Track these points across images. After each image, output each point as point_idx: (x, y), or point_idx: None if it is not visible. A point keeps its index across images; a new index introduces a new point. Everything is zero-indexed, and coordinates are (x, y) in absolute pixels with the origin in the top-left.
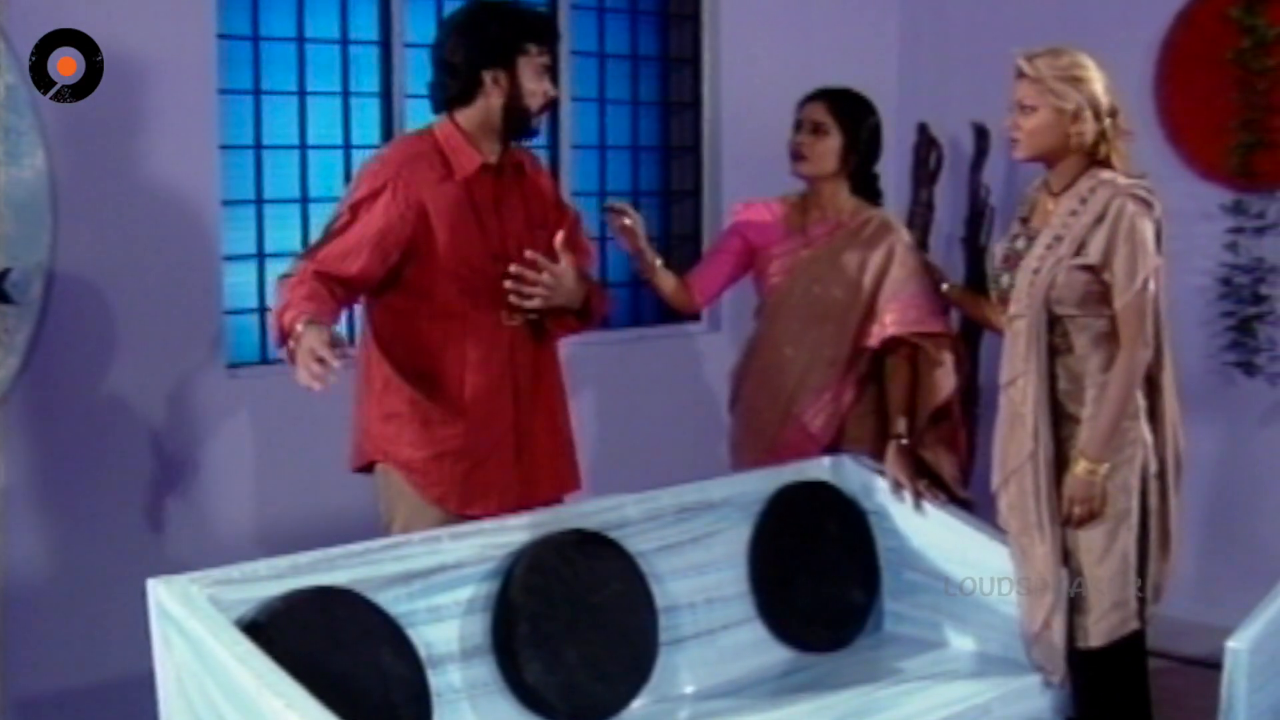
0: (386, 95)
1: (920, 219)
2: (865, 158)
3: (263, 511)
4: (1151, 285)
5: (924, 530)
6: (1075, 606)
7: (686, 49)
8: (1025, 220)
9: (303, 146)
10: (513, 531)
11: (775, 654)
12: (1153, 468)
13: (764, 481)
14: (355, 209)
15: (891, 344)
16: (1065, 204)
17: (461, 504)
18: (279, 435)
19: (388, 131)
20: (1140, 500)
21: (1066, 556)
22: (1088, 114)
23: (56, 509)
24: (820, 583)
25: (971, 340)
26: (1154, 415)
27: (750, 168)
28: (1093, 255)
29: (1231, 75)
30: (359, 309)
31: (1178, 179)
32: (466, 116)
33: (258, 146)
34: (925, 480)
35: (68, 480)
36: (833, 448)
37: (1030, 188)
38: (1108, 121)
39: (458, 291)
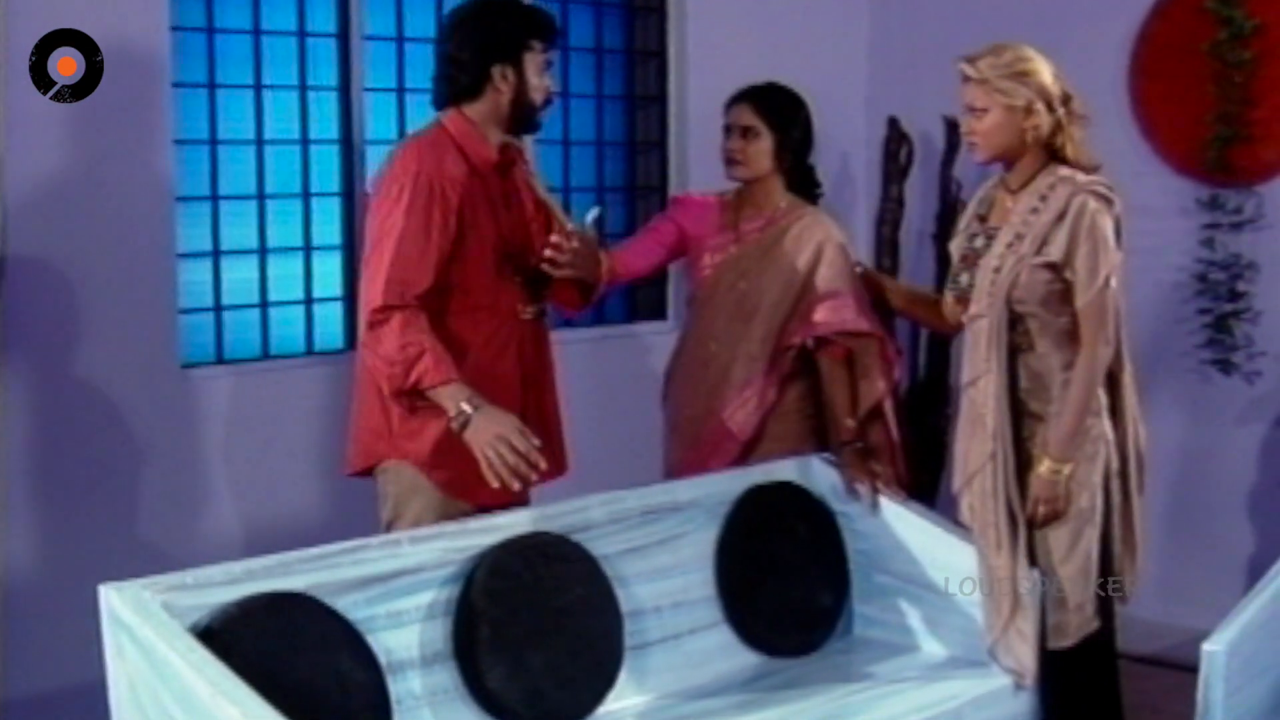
0: (345, 89)
1: (891, 215)
2: (798, 154)
3: (218, 516)
4: (1113, 282)
5: (894, 532)
6: (1043, 607)
7: (652, 42)
8: (983, 219)
9: (259, 141)
10: (474, 535)
11: (743, 659)
12: (1115, 465)
13: (731, 483)
14: (409, 215)
15: (824, 345)
16: (1025, 201)
17: (477, 495)
18: (235, 438)
19: (346, 126)
20: (1104, 498)
21: (1032, 557)
22: (1039, 106)
23: (2, 511)
24: (789, 586)
25: (944, 339)
26: (1115, 412)
27: (717, 163)
28: (1054, 253)
29: (1207, 68)
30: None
31: (1153, 174)
32: (475, 111)
33: (213, 141)
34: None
35: (15, 481)
36: (752, 445)
37: (987, 185)
38: (1061, 110)
39: (484, 285)
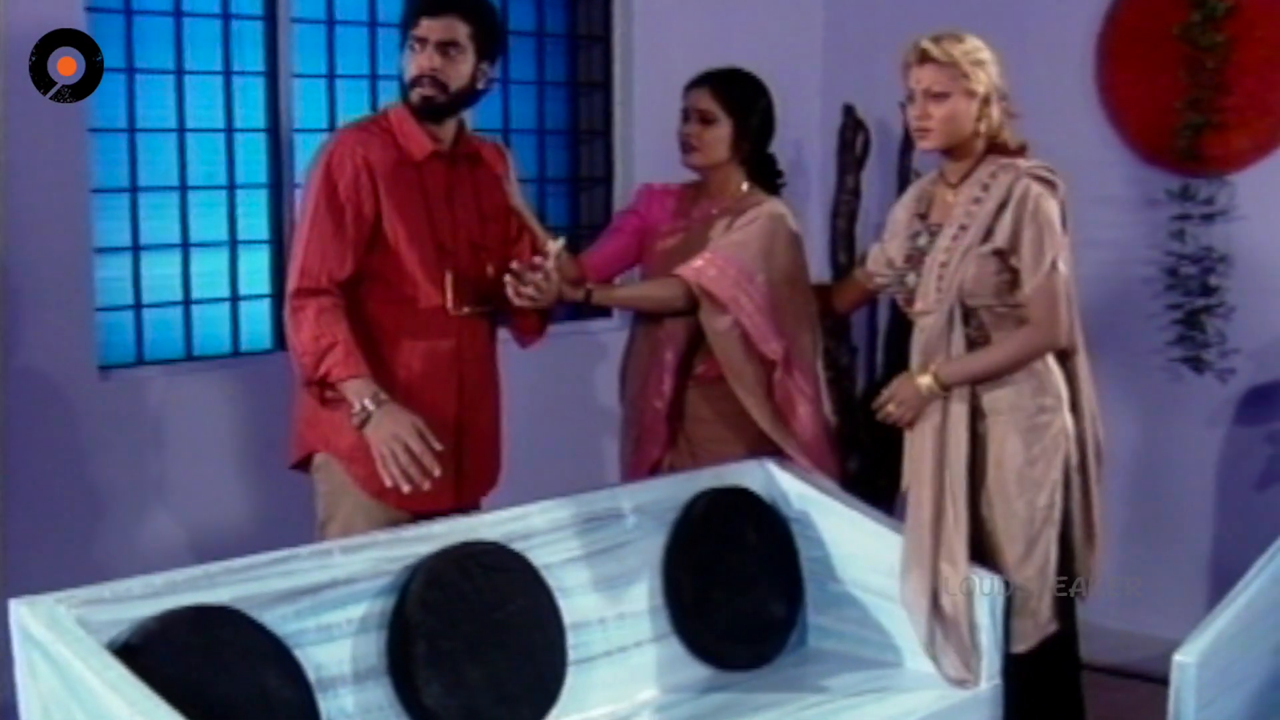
0: (272, 74)
1: (846, 206)
2: (757, 143)
3: (138, 526)
4: (1061, 267)
5: (849, 539)
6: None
7: (596, 26)
8: (924, 216)
9: (181, 130)
10: (409, 544)
11: (692, 672)
12: (1075, 460)
13: (678, 488)
14: (325, 201)
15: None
16: (966, 193)
17: (401, 498)
18: (157, 443)
19: (273, 114)
20: (1063, 495)
21: (983, 558)
22: (995, 98)
23: None
24: (739, 595)
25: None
26: (1074, 406)
27: (664, 153)
28: (999, 239)
29: (1178, 52)
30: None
31: (1121, 163)
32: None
33: (131, 130)
34: None
35: None
36: (675, 419)
37: (921, 183)
38: (1004, 104)
39: (407, 278)
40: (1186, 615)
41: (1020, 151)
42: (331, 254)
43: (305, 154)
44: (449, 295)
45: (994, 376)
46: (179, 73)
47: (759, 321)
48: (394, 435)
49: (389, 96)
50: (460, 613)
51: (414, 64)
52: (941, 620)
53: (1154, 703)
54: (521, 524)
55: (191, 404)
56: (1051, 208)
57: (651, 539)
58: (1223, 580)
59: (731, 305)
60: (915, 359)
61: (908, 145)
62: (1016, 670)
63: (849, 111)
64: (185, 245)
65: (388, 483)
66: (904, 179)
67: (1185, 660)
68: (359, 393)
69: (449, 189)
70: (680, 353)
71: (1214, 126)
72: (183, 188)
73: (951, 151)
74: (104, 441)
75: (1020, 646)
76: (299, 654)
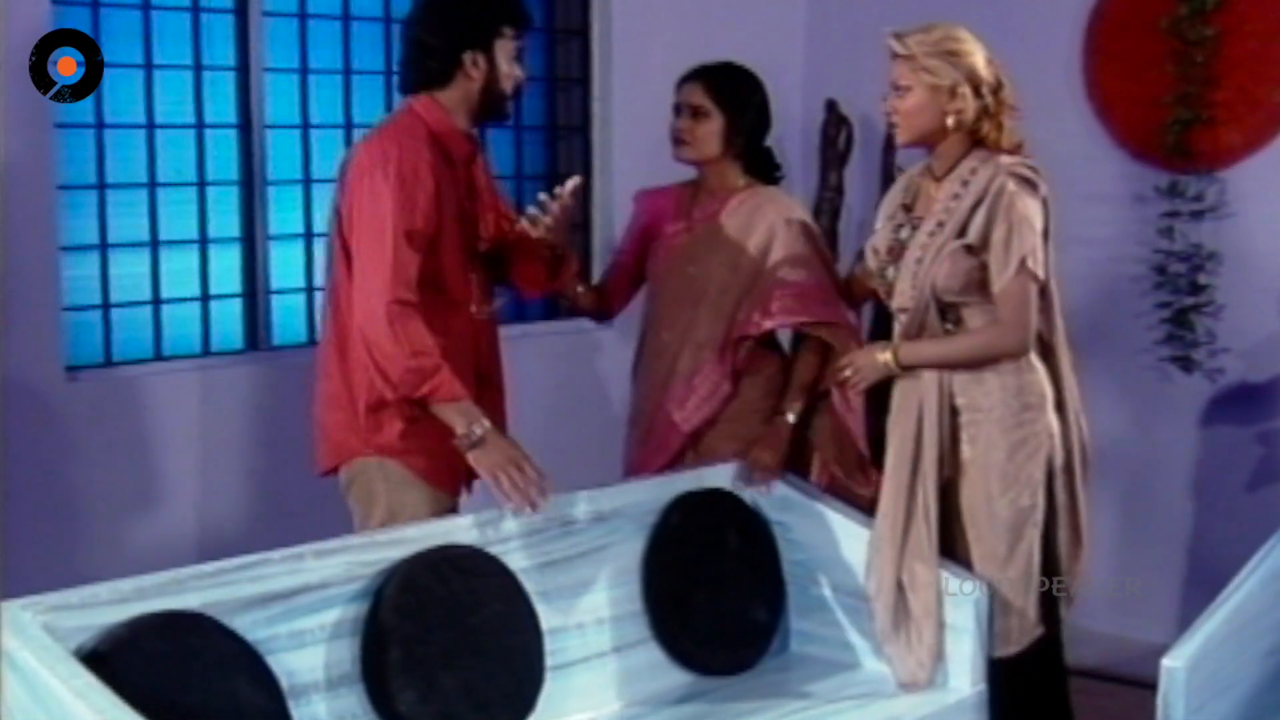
0: (243, 69)
1: (829, 204)
2: (752, 137)
3: (106, 530)
4: (1031, 265)
5: (832, 542)
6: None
7: (574, 20)
8: (908, 208)
9: (150, 126)
10: (382, 548)
11: (672, 678)
12: (1060, 460)
13: (658, 490)
14: (400, 206)
15: (798, 333)
16: (947, 188)
17: (456, 486)
18: (125, 445)
19: (245, 110)
20: (1047, 496)
21: (966, 559)
22: (965, 90)
23: None
24: (720, 600)
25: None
26: (1059, 405)
27: (644, 149)
28: (972, 235)
29: (1166, 46)
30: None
31: (1108, 159)
32: (447, 98)
33: (99, 125)
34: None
35: None
36: (697, 439)
37: (910, 173)
38: (990, 98)
39: (455, 281)
40: (1175, 618)
41: (1016, 149)
42: (413, 264)
43: (277, 150)
44: (475, 295)
45: (951, 367)
46: (148, 67)
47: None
48: (509, 459)
49: (363, 92)
50: (435, 618)
51: (518, 75)
52: (906, 618)
53: (1142, 708)
54: (497, 527)
55: (161, 405)
56: (1028, 206)
57: (630, 543)
58: (1212, 583)
59: (841, 317)
60: None
61: (892, 141)
62: (1001, 675)
63: (831, 107)
64: (154, 243)
65: (508, 506)
66: (888, 175)
67: (1174, 665)
68: (468, 417)
69: (469, 186)
70: (729, 384)
71: (1203, 122)
72: (152, 185)
73: (931, 145)
74: (72, 444)
75: (1004, 650)
76: (271, 660)
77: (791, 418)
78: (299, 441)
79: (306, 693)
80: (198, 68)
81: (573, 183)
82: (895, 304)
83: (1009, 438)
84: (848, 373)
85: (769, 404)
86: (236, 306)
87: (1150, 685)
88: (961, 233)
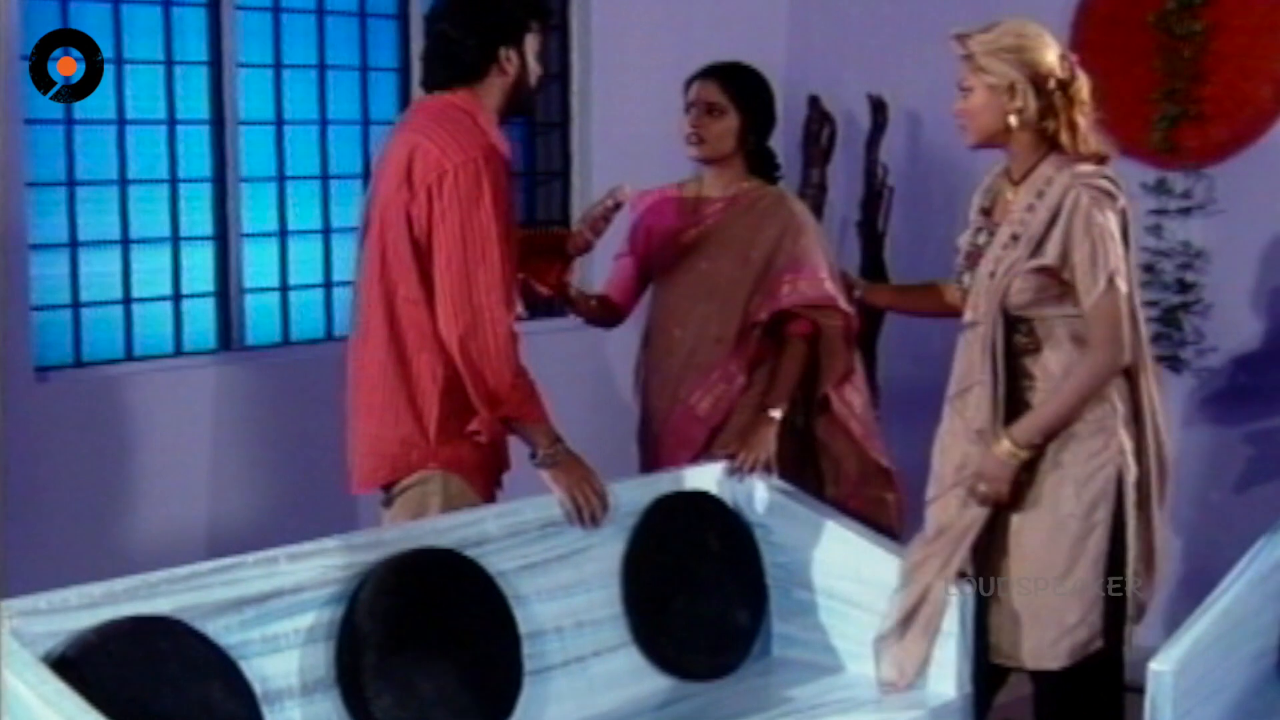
0: (216, 64)
1: (812, 201)
2: (762, 136)
3: (76, 533)
4: (1120, 283)
5: (815, 544)
6: (1031, 624)
7: (553, 14)
8: (987, 212)
9: (120, 121)
10: (358, 551)
11: (652, 683)
12: (1130, 476)
13: (639, 492)
14: (506, 223)
15: (790, 320)
16: (1023, 196)
17: (491, 495)
18: (95, 447)
19: (217, 105)
20: (1115, 510)
21: (1023, 567)
22: (1025, 88)
23: None
24: (701, 603)
25: (869, 337)
26: (1135, 419)
27: (625, 145)
28: (1050, 255)
29: (1154, 41)
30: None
31: None
32: (483, 93)
33: (69, 122)
34: (766, 463)
35: None
36: (718, 432)
37: (993, 174)
38: (1056, 94)
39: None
40: (1163, 621)
41: (1099, 160)
42: (513, 273)
43: (250, 147)
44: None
45: (1069, 420)
46: (118, 62)
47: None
48: (583, 478)
49: (338, 87)
50: (411, 622)
51: (541, 70)
52: (911, 626)
53: (1130, 711)
54: (475, 529)
55: (133, 406)
56: (1107, 219)
57: (610, 545)
58: (1200, 585)
59: (843, 303)
60: (956, 373)
61: (875, 138)
62: (1053, 688)
63: (814, 103)
64: (125, 241)
65: (576, 524)
66: (870, 173)
67: (1161, 669)
68: (548, 434)
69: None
70: (749, 368)
71: (1191, 118)
72: (122, 181)
73: (1001, 146)
74: (41, 445)
75: (1054, 664)
76: (244, 666)
77: (777, 414)
78: (273, 443)
79: (280, 699)
80: (169, 62)
81: (628, 193)
82: (966, 318)
83: (1079, 449)
84: (981, 488)
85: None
86: (209, 306)
87: (1137, 689)
88: (1037, 249)
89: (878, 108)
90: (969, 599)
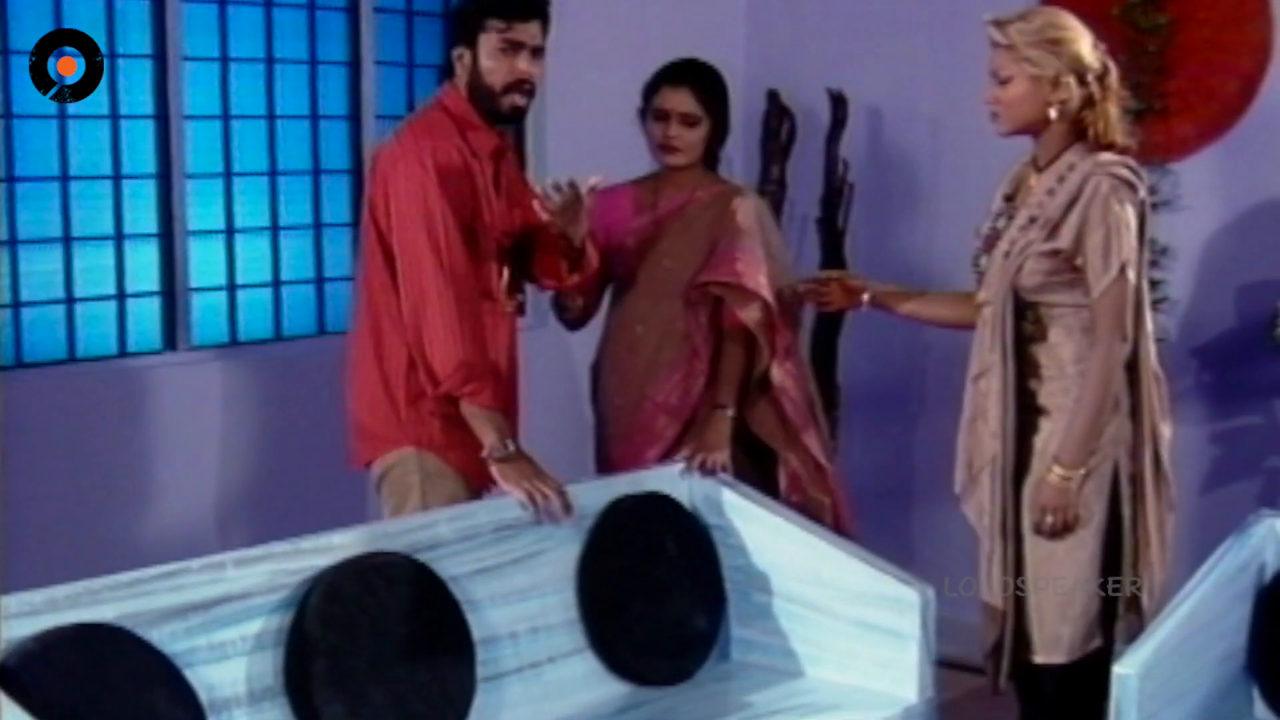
0: (160, 57)
1: (771, 198)
2: (725, 138)
3: (18, 538)
4: (1131, 274)
5: (774, 547)
6: (1033, 616)
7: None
8: (1009, 198)
9: (62, 116)
10: (306, 555)
11: (609, 689)
12: (1126, 468)
13: (594, 494)
14: (451, 205)
15: (725, 315)
16: (1045, 181)
17: (486, 480)
18: (37, 450)
19: (162, 99)
20: (1110, 503)
21: (1019, 564)
22: (1069, 79)
23: None
24: (658, 607)
25: (829, 338)
26: (1134, 412)
27: (582, 142)
28: (1064, 239)
29: (1118, 34)
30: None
31: None
32: (461, 90)
33: (7, 116)
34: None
35: None
36: (690, 426)
37: (1022, 160)
38: (1095, 85)
39: (485, 275)
40: (1127, 624)
41: (1123, 150)
42: (460, 253)
43: (196, 142)
44: (506, 291)
45: (1099, 414)
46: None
47: (777, 308)
48: (536, 475)
49: (286, 82)
50: (362, 628)
51: (506, 67)
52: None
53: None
54: (427, 533)
55: (76, 408)
56: (1124, 209)
57: (565, 548)
58: (1165, 587)
59: (758, 288)
60: (973, 357)
61: (835, 133)
62: (1046, 683)
63: (773, 98)
64: (67, 239)
65: (534, 518)
66: (831, 169)
67: (1126, 672)
68: (500, 430)
69: (496, 181)
70: (711, 352)
71: (1155, 113)
72: (64, 178)
73: (1034, 134)
74: None
75: (1055, 658)
76: (189, 674)
77: (730, 411)
78: (220, 444)
79: (227, 707)
80: (112, 55)
81: (593, 180)
82: (980, 298)
83: None
84: (1050, 520)
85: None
86: (154, 305)
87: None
88: (1053, 233)
89: (838, 103)
90: (930, 602)
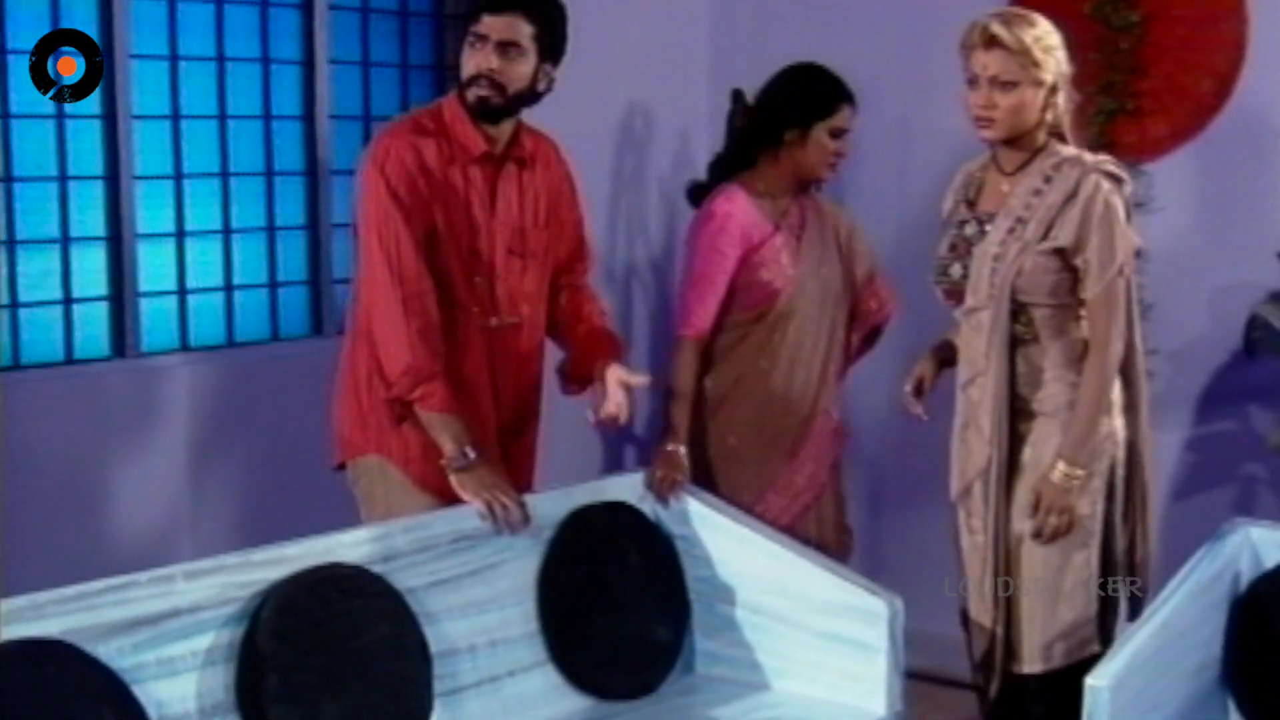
0: (108, 55)
1: None
2: None
3: None
4: (1127, 271)
5: (739, 557)
6: (1023, 625)
7: (464, 4)
8: (972, 204)
9: (4, 116)
10: (259, 568)
11: (570, 703)
12: (1122, 469)
13: (554, 503)
14: (394, 201)
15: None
16: (1026, 183)
17: (444, 491)
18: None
19: (110, 99)
20: (1105, 504)
21: (1008, 567)
22: (1064, 85)
23: None
24: (620, 619)
25: None
26: (1129, 410)
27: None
28: (1063, 238)
29: (1090, 32)
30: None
31: None
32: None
33: None
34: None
35: None
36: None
37: (969, 168)
38: (1070, 90)
39: (449, 282)
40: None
41: (1090, 148)
42: (412, 255)
43: (145, 142)
44: (485, 303)
45: (1100, 412)
46: (2, 52)
47: None
48: (495, 485)
49: (237, 80)
50: (315, 642)
51: (471, 61)
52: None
53: None
54: (383, 544)
55: (21, 416)
56: (1119, 206)
57: (525, 559)
58: (1138, 597)
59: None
60: (961, 363)
61: None
62: (1031, 690)
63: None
64: (10, 242)
65: (493, 529)
66: None
67: (1098, 684)
68: (458, 438)
69: (492, 191)
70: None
71: (1128, 112)
72: (8, 179)
73: (1012, 140)
74: None
75: (1045, 666)
76: (138, 690)
77: (682, 449)
78: (169, 454)
79: None
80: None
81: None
82: (967, 305)
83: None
84: (1053, 520)
85: None
86: (102, 311)
87: None
88: (1047, 232)
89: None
90: (899, 613)
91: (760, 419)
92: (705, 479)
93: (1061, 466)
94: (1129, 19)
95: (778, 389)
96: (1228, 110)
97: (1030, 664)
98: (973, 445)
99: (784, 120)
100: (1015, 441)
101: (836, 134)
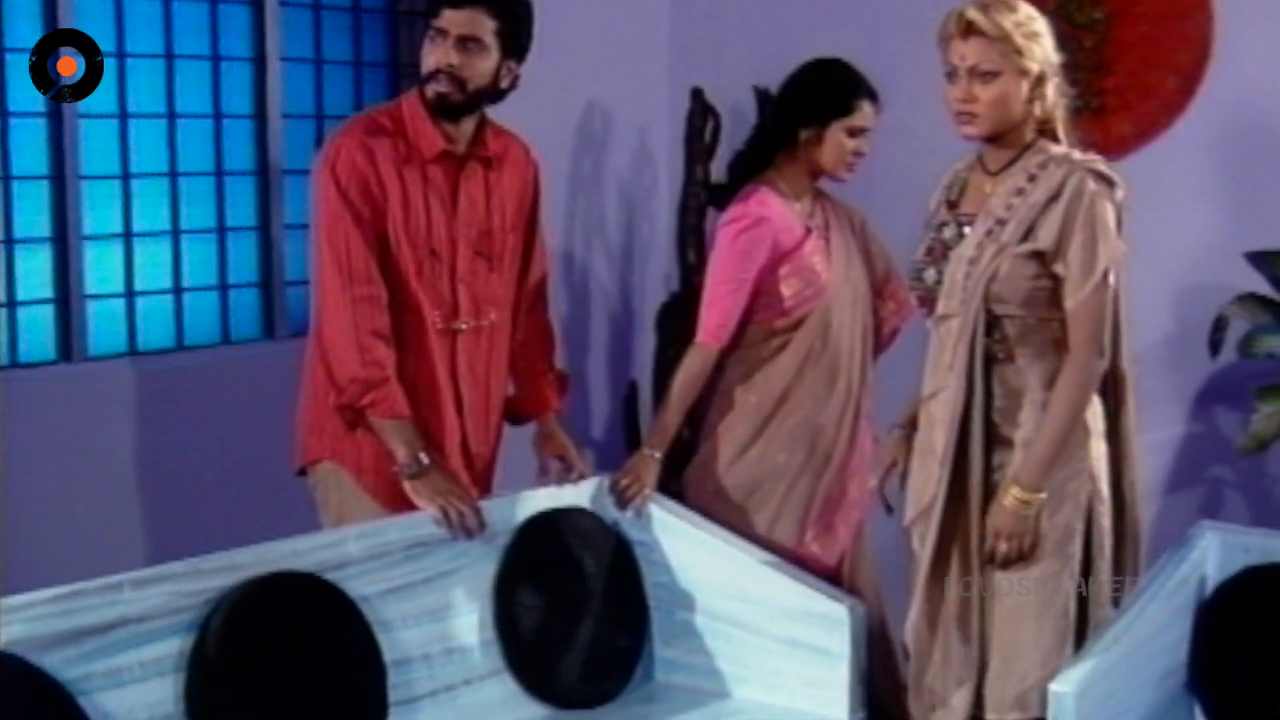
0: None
1: (696, 200)
2: None
3: None
4: (1113, 280)
5: (698, 562)
6: (999, 670)
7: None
8: (953, 205)
9: None
10: (209, 576)
11: (527, 711)
12: (1105, 497)
13: (509, 509)
14: (343, 201)
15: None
16: (1009, 183)
17: (411, 506)
18: None
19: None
20: (1084, 539)
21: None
22: (1052, 76)
23: None
24: (578, 627)
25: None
26: (1114, 436)
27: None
28: (1044, 240)
29: (1054, 30)
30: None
31: None
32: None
33: None
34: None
35: None
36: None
37: (956, 168)
38: (1056, 83)
39: (401, 285)
40: None
41: (1084, 146)
42: (362, 256)
43: (91, 141)
44: (443, 306)
45: (1067, 435)
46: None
47: None
48: (449, 490)
49: (186, 78)
50: (266, 652)
51: (431, 57)
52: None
53: None
54: (336, 551)
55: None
56: (1107, 209)
57: (481, 566)
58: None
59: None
60: (929, 371)
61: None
62: None
63: (698, 96)
64: None
65: (449, 534)
66: None
67: (1062, 690)
68: (410, 443)
69: (453, 191)
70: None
71: (1092, 110)
72: None
73: (997, 137)
74: None
75: (1027, 713)
76: (84, 702)
77: (659, 455)
78: (116, 460)
79: None
80: (1, 50)
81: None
82: (938, 312)
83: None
84: (1001, 546)
85: None
86: (47, 313)
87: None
88: (1028, 234)
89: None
90: (861, 618)
91: (812, 433)
92: (723, 502)
93: (1015, 491)
94: (1093, 16)
95: (825, 400)
96: (1193, 109)
97: (1018, 709)
98: (932, 468)
99: (800, 118)
100: (989, 471)
101: (855, 133)
